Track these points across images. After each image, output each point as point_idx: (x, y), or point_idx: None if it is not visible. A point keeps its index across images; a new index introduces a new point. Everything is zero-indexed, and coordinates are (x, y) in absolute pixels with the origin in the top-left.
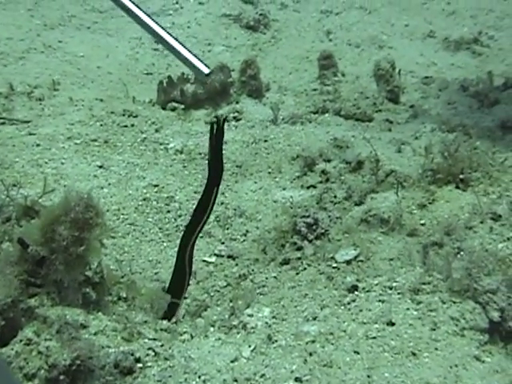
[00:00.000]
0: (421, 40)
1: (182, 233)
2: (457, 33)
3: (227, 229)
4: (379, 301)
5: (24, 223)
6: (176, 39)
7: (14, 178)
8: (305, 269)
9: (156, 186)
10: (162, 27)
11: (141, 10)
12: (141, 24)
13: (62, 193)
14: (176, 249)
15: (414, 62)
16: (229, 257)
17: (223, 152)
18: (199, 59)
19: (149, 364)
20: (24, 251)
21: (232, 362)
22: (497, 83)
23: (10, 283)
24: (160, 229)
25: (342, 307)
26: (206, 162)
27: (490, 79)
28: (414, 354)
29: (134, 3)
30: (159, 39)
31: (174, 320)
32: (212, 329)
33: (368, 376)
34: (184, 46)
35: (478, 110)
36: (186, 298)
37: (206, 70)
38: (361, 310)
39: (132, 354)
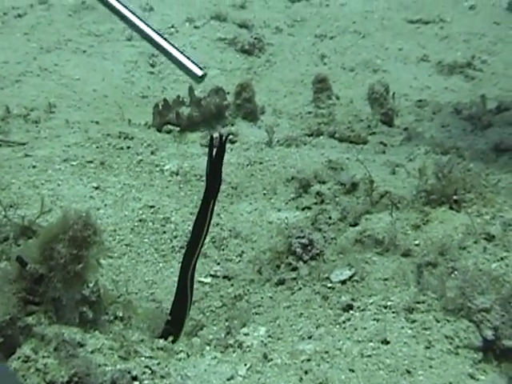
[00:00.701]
0: (415, 64)
1: (184, 253)
2: (450, 57)
3: (223, 250)
4: (374, 319)
5: (22, 242)
6: (169, 42)
7: (10, 199)
8: (300, 289)
9: (152, 207)
10: (155, 30)
11: (133, 13)
12: (133, 27)
13: (58, 213)
14: (172, 270)
15: (408, 86)
16: (224, 277)
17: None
18: (193, 61)
19: (145, 382)
20: (22, 269)
21: (228, 380)
22: (490, 106)
23: (9, 301)
24: (156, 249)
25: (337, 326)
26: (205, 175)
27: (484, 102)
28: (408, 372)
29: (126, 7)
30: (152, 42)
31: (172, 339)
32: (208, 347)
33: None
34: (177, 49)
35: (471, 133)
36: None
37: (200, 72)
38: (356, 329)
39: (129, 372)
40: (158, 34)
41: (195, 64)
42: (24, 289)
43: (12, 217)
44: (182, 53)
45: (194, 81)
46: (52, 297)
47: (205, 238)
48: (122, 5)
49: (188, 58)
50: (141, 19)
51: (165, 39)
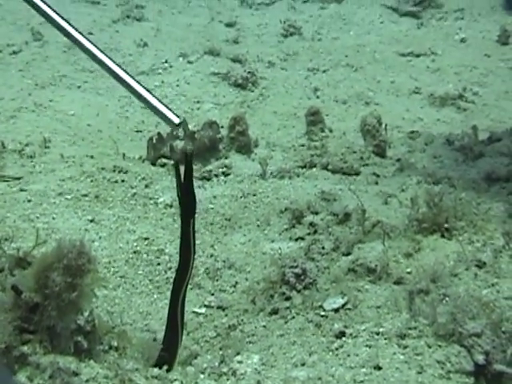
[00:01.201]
0: (407, 96)
1: (173, 279)
2: (442, 89)
3: (217, 280)
4: (366, 346)
5: (17, 273)
6: (146, 89)
7: (5, 233)
8: (293, 317)
9: (146, 239)
10: (132, 76)
11: (111, 59)
12: (109, 72)
13: (53, 245)
14: (166, 301)
15: (401, 118)
16: (218, 308)
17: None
18: (169, 109)
19: None
20: (18, 297)
21: None
22: (482, 137)
23: (4, 329)
24: (150, 281)
25: (330, 353)
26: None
27: (475, 133)
28: None
29: (101, 51)
30: (129, 89)
31: (166, 368)
32: (202, 376)
33: None
34: (154, 96)
35: (463, 163)
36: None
37: (177, 120)
38: (348, 355)
39: None
40: (136, 80)
41: (172, 111)
42: (19, 317)
43: (7, 249)
44: (159, 100)
45: (171, 128)
46: (47, 325)
47: (193, 262)
48: (101, 52)
49: (165, 105)
50: (118, 65)
51: (142, 86)
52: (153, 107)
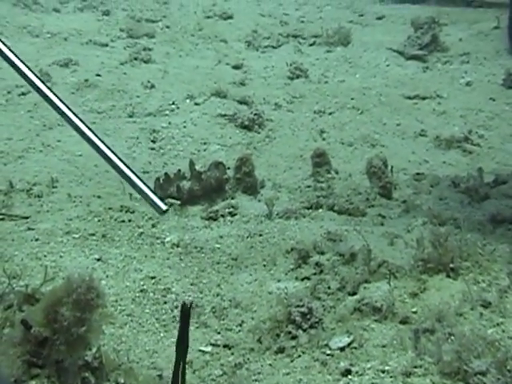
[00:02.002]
0: (412, 139)
1: None
2: (447, 132)
3: (223, 319)
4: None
5: (26, 309)
6: (136, 174)
7: (13, 271)
8: (299, 356)
9: (153, 278)
10: (123, 161)
11: (100, 140)
12: (103, 156)
13: (62, 281)
14: (173, 339)
15: (406, 160)
16: (225, 346)
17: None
18: (157, 195)
19: None
20: (27, 332)
21: None
22: (487, 180)
23: (13, 364)
24: (157, 319)
25: None
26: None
27: (481, 176)
28: None
29: (93, 132)
30: (120, 173)
31: None
32: None
33: None
34: (144, 183)
35: (468, 205)
36: None
37: (164, 207)
38: None
39: None
40: (127, 165)
41: (160, 198)
42: (28, 352)
43: (15, 287)
44: (148, 187)
45: (158, 214)
46: (55, 360)
47: None
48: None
49: (153, 192)
50: (109, 148)
51: (133, 172)
52: (141, 191)
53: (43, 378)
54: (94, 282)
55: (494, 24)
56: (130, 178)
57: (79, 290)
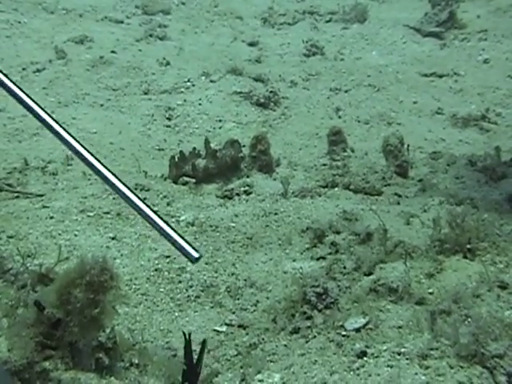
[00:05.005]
0: (429, 117)
1: None
2: (464, 110)
3: (238, 299)
4: (388, 366)
5: (39, 289)
6: (167, 223)
7: (28, 250)
8: (314, 337)
9: (168, 257)
10: (155, 211)
11: (127, 187)
12: (129, 202)
13: (75, 262)
14: (187, 319)
15: (423, 138)
16: (239, 326)
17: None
18: (189, 243)
19: None
20: (40, 313)
21: None
22: (504, 158)
23: (26, 345)
24: (171, 299)
25: (352, 372)
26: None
27: (498, 154)
28: None
29: (127, 187)
30: (151, 222)
31: None
32: None
33: None
34: (175, 231)
35: (485, 184)
36: None
37: (196, 255)
38: (370, 375)
39: None
40: (159, 215)
41: (191, 246)
42: (41, 333)
43: (29, 266)
44: (179, 235)
45: (190, 262)
46: (69, 341)
47: None
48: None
49: (185, 239)
50: (137, 196)
51: (164, 220)
52: (172, 240)
53: (57, 359)
54: (107, 263)
55: None
56: (158, 224)
57: (92, 272)
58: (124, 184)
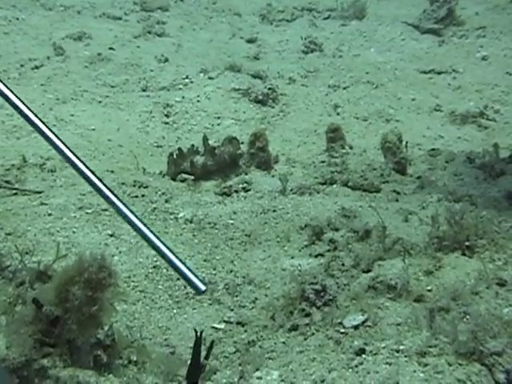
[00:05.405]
0: (427, 114)
1: None
2: (463, 107)
3: (236, 296)
4: (386, 363)
5: (37, 286)
6: (175, 254)
7: (26, 246)
8: (313, 334)
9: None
10: (162, 241)
11: (135, 214)
12: (139, 232)
13: (73, 259)
14: (185, 316)
15: (421, 135)
16: (238, 323)
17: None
18: (196, 276)
19: None
20: (38, 311)
21: None
22: (503, 155)
23: (24, 342)
24: (170, 296)
25: (350, 370)
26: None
27: (496, 151)
28: None
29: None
30: (159, 252)
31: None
32: None
33: None
34: (182, 262)
35: (484, 181)
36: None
37: (203, 287)
38: (368, 373)
39: None
40: (165, 244)
41: (198, 278)
42: (40, 330)
43: (28, 263)
44: (186, 266)
45: (196, 293)
46: (67, 339)
47: None
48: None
49: (192, 271)
50: (145, 225)
51: (171, 250)
52: (179, 270)
53: (55, 357)
54: (105, 260)
55: None
56: (166, 255)
57: (91, 269)
58: (133, 213)
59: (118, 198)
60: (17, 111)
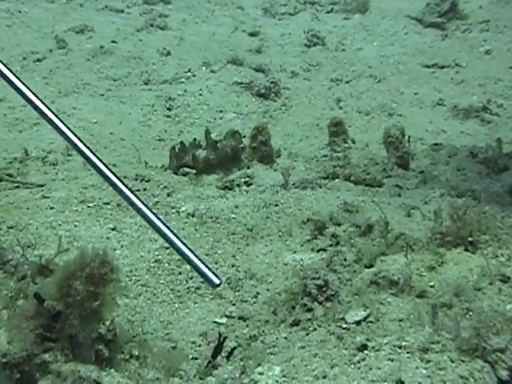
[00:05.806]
0: (430, 108)
1: None
2: (466, 101)
3: (238, 291)
4: (389, 359)
5: (39, 281)
6: (189, 248)
7: (28, 240)
8: (315, 329)
9: (168, 248)
10: (176, 234)
11: (153, 212)
12: (154, 227)
13: (75, 254)
14: (187, 310)
15: (424, 130)
16: (240, 318)
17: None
18: (210, 269)
19: None
20: (40, 306)
21: None
22: (506, 150)
23: (26, 337)
24: (172, 290)
25: (352, 366)
26: None
27: (499, 146)
28: None
29: (151, 211)
30: (172, 246)
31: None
32: None
33: None
34: (196, 255)
35: (487, 176)
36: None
37: (217, 281)
38: (370, 369)
39: None
40: (179, 238)
41: (213, 272)
42: (41, 325)
43: (29, 257)
44: (200, 260)
45: (211, 288)
46: (69, 334)
47: None
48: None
49: (207, 265)
50: (160, 219)
51: (185, 245)
52: (193, 264)
53: (56, 352)
54: (107, 255)
55: None
56: (180, 249)
57: (92, 264)
58: (147, 207)
59: (126, 187)
60: (26, 100)
